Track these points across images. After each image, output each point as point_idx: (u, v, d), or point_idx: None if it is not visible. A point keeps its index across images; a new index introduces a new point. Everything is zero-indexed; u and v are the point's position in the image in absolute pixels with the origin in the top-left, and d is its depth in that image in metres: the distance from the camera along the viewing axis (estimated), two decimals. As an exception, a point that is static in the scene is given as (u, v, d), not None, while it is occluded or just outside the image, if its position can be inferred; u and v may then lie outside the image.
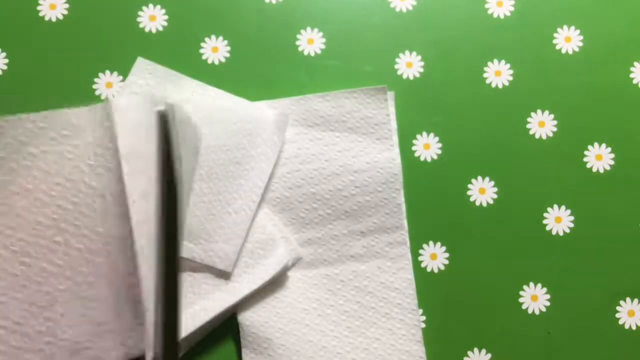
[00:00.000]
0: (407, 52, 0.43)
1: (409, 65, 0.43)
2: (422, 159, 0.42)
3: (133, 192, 0.35)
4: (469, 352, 0.39)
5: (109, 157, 0.36)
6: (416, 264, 0.40)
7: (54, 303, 0.34)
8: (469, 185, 0.41)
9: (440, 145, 0.42)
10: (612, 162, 0.42)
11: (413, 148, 0.42)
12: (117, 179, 0.35)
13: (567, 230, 0.41)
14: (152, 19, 0.43)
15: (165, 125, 0.33)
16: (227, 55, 0.42)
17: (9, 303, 0.34)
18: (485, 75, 0.43)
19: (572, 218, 0.41)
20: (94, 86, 0.41)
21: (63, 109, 0.37)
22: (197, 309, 0.37)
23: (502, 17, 0.44)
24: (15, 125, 0.37)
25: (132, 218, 0.34)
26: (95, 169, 0.36)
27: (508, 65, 0.43)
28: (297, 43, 0.43)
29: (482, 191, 0.41)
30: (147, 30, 0.42)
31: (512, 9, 0.44)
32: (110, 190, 0.36)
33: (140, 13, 0.43)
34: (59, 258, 0.35)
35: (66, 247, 0.35)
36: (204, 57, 0.42)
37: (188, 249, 0.38)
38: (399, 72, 0.43)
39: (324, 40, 0.43)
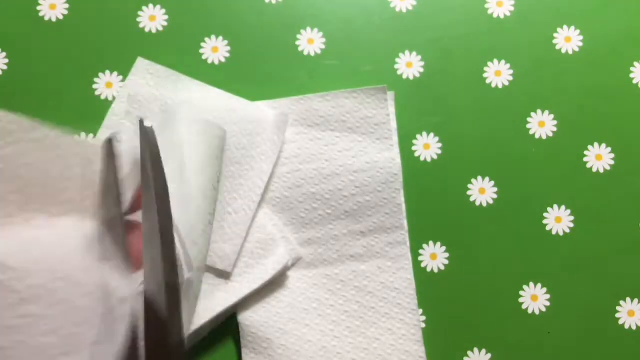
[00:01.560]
0: (407, 52, 0.43)
1: (409, 65, 0.43)
2: (422, 159, 0.42)
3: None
4: (469, 352, 0.39)
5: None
6: (416, 264, 0.40)
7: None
8: (469, 185, 0.41)
9: (440, 145, 0.42)
10: (612, 162, 0.42)
11: (413, 148, 0.42)
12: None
13: (567, 230, 0.41)
14: (152, 19, 0.43)
15: (149, 139, 0.30)
16: (227, 55, 0.42)
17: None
18: (485, 75, 0.43)
19: (572, 218, 0.41)
20: (94, 86, 0.41)
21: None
22: (198, 309, 0.37)
23: (502, 17, 0.44)
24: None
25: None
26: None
27: (508, 65, 0.43)
28: (297, 43, 0.43)
29: (482, 191, 0.41)
30: (147, 30, 0.42)
31: (512, 9, 0.44)
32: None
33: (140, 13, 0.43)
34: None
35: None
36: (204, 57, 0.42)
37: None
38: (399, 72, 0.43)
39: (324, 40, 0.43)
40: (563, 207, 0.41)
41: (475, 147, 0.42)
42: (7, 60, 0.41)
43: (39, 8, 0.42)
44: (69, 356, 0.26)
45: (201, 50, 0.42)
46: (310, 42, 0.43)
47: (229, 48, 0.43)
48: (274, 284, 0.39)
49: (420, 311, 0.40)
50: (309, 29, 0.43)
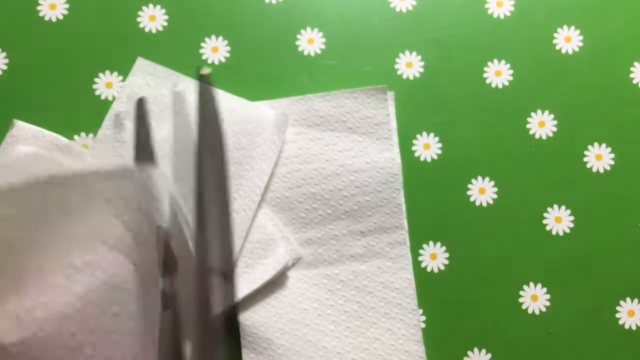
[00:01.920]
0: (407, 52, 0.43)
1: (409, 65, 0.43)
2: (422, 159, 0.42)
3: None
4: (469, 352, 0.39)
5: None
6: (416, 264, 0.40)
7: None
8: (469, 185, 0.41)
9: (440, 145, 0.42)
10: (612, 162, 0.42)
11: (413, 148, 0.42)
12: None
13: (567, 230, 0.41)
14: (152, 19, 0.43)
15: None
16: (227, 55, 0.42)
17: None
18: (485, 75, 0.43)
19: (572, 218, 0.41)
20: (94, 86, 0.41)
21: None
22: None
23: (502, 17, 0.44)
24: None
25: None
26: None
27: (508, 65, 0.43)
28: (297, 43, 0.43)
29: (482, 191, 0.41)
30: (147, 30, 0.42)
31: (512, 9, 0.44)
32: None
33: (140, 13, 0.43)
34: None
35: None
36: (204, 57, 0.42)
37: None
38: (399, 72, 0.43)
39: (324, 40, 0.43)
40: (563, 207, 0.41)
41: (475, 147, 0.42)
42: (7, 60, 0.41)
43: (39, 8, 0.42)
44: None
45: (201, 50, 0.42)
46: (310, 42, 0.43)
47: (229, 48, 0.43)
48: (274, 284, 0.39)
49: (420, 311, 0.40)
50: (309, 29, 0.43)
